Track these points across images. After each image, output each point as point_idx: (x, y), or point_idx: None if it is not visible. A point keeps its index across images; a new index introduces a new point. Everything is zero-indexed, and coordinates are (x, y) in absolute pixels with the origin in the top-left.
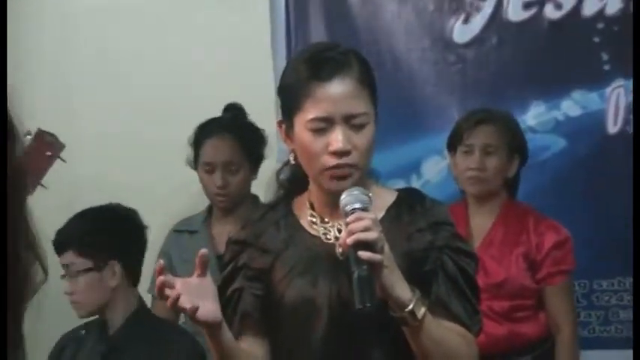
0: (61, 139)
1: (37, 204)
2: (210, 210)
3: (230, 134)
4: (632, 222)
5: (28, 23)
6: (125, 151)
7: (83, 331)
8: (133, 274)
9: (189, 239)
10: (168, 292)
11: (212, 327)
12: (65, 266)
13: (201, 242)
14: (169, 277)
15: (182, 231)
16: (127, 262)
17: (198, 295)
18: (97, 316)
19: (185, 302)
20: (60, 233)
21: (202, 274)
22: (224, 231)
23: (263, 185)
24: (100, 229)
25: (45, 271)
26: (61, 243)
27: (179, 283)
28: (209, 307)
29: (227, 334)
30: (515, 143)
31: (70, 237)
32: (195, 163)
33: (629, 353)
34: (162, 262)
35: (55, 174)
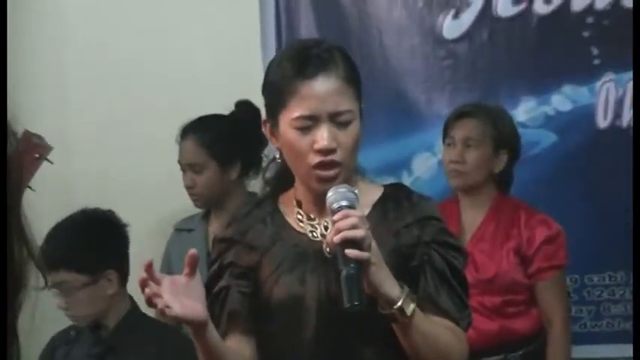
0: (54, 137)
1: (28, 204)
2: (209, 208)
3: (194, 135)
4: (631, 218)
5: (24, 21)
6: (120, 149)
7: (73, 332)
8: (123, 275)
9: (187, 237)
10: (156, 300)
11: (197, 327)
12: (57, 284)
13: (196, 240)
14: (157, 275)
15: (182, 230)
16: (119, 267)
17: (184, 294)
18: None
19: (171, 309)
20: (46, 252)
21: (190, 274)
22: (220, 228)
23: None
24: (90, 241)
25: (44, 276)
26: (51, 262)
27: (166, 280)
28: (195, 307)
29: (213, 333)
30: (502, 138)
31: (59, 255)
32: None
33: (621, 348)
34: (150, 260)
35: (47, 174)
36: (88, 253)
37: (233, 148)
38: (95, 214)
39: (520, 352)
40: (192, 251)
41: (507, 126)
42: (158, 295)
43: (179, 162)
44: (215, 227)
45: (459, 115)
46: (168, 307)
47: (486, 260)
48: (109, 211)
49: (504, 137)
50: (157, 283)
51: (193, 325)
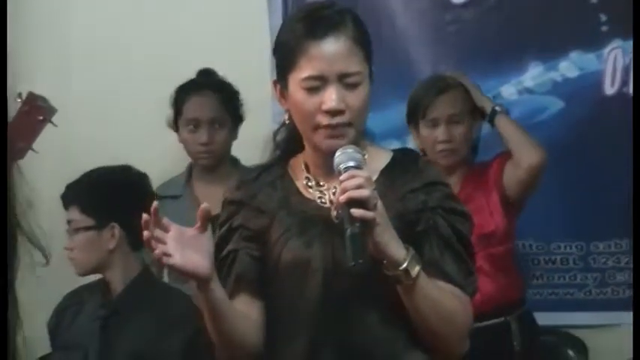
0: (54, 101)
1: (31, 168)
2: (190, 171)
3: (212, 92)
4: (632, 185)
5: None
6: (118, 113)
7: (84, 293)
8: (135, 239)
9: (172, 204)
10: (155, 245)
11: (200, 281)
12: (69, 222)
13: (186, 206)
14: (164, 220)
15: (165, 197)
16: (128, 226)
17: (191, 247)
18: (98, 277)
19: (170, 257)
20: (69, 188)
21: (201, 229)
22: (208, 192)
23: (243, 147)
24: (106, 189)
25: (45, 255)
26: (68, 198)
27: (174, 229)
28: (199, 261)
29: (218, 291)
30: (474, 105)
31: (77, 193)
32: (175, 123)
33: (626, 315)
34: (156, 203)
35: (49, 137)
36: (99, 198)
37: (239, 110)
38: (134, 174)
39: (515, 314)
40: (205, 205)
41: (470, 92)
42: (160, 241)
43: (190, 118)
44: (202, 191)
45: (436, 94)
46: (167, 254)
47: (480, 217)
48: (143, 174)
49: (475, 103)
50: (164, 229)
51: (195, 279)
